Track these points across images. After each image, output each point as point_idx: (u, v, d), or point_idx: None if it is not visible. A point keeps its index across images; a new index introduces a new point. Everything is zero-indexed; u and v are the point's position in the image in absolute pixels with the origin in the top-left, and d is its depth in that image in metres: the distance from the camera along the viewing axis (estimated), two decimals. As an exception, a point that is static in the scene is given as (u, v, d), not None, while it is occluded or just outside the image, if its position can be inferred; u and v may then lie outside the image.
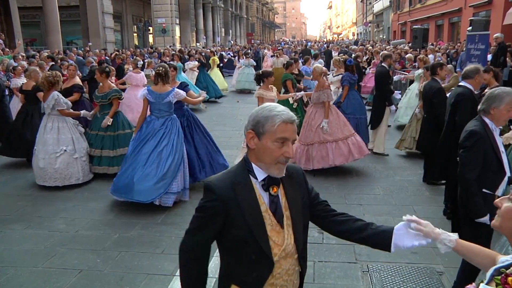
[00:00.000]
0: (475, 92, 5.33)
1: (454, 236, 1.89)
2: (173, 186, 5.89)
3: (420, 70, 9.46)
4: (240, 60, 20.01)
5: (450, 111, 5.33)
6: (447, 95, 6.06)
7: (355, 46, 24.47)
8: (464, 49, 13.65)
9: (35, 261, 4.54)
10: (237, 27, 62.64)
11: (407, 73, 12.72)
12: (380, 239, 1.94)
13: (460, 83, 5.45)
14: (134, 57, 16.73)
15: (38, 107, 7.70)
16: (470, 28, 12.59)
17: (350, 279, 4.13)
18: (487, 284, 1.58)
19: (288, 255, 1.93)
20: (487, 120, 3.37)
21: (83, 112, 7.10)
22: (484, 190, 3.35)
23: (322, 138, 7.13)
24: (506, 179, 3.37)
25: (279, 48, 27.54)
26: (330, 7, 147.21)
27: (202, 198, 1.93)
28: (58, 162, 6.63)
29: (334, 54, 20.10)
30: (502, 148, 3.42)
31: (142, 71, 12.21)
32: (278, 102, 7.54)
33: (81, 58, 16.87)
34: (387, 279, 4.08)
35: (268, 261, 1.89)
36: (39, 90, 7.46)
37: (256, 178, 1.89)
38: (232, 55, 27.37)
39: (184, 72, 15.62)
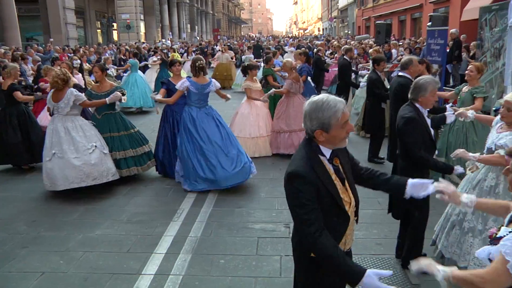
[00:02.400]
0: (413, 80, 5.81)
1: (473, 197, 2.35)
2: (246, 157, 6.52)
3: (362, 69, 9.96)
4: (189, 56, 19.75)
5: (393, 99, 5.94)
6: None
7: (318, 42, 24.77)
8: (425, 44, 14.02)
9: (-6, 265, 4.39)
10: (203, 23, 62.18)
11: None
12: (398, 188, 2.51)
13: (399, 73, 6.30)
14: (72, 56, 16.05)
15: (17, 108, 7.40)
16: (430, 23, 12.96)
17: (317, 271, 4.18)
18: (506, 226, 1.98)
19: (353, 209, 2.39)
20: (418, 105, 3.77)
21: (110, 96, 6.43)
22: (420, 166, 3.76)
23: (290, 128, 7.82)
24: (436, 152, 3.92)
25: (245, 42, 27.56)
26: (296, 3, 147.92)
27: (292, 185, 2.20)
28: (93, 158, 6.16)
29: (290, 49, 20.67)
30: (430, 128, 3.85)
31: (80, 73, 11.45)
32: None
33: (41, 54, 16.34)
34: (352, 270, 4.15)
35: (346, 217, 2.32)
36: (15, 90, 7.20)
37: (324, 155, 2.29)
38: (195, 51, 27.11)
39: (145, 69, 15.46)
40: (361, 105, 9.76)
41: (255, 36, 70.74)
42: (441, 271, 2.02)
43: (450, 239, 3.92)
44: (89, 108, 7.33)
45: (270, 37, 53.52)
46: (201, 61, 6.50)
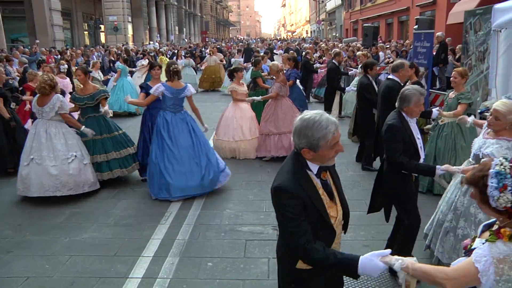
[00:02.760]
0: (401, 84, 6.08)
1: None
2: (220, 165, 6.45)
3: (358, 69, 9.96)
4: (179, 60, 19.65)
5: (381, 101, 6.05)
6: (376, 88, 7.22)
7: (306, 45, 24.89)
8: (411, 47, 14.17)
9: (-22, 270, 4.33)
10: (191, 25, 62.05)
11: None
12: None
13: (389, 76, 6.34)
14: (58, 59, 15.83)
15: None
16: (416, 26, 13.10)
17: (304, 273, 4.19)
18: (479, 237, 1.96)
19: (339, 223, 2.38)
20: (403, 114, 3.81)
21: (84, 127, 6.33)
22: (403, 171, 3.79)
23: (280, 130, 7.81)
24: (421, 161, 3.85)
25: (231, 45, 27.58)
26: (284, 5, 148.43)
27: (279, 200, 2.18)
28: (71, 168, 6.08)
29: (279, 51, 20.70)
30: (418, 135, 3.85)
31: (67, 77, 11.28)
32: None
33: (27, 56, 16.15)
34: (340, 272, 4.16)
35: (332, 232, 2.31)
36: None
37: (311, 170, 2.25)
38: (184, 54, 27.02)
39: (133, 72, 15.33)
40: (351, 110, 9.77)
41: (244, 38, 70.79)
42: (399, 260, 1.99)
43: (446, 246, 3.99)
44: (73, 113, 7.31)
45: (259, 39, 53.60)
46: (175, 65, 6.43)
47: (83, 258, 4.54)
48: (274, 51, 23.37)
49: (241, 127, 8.09)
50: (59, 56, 17.86)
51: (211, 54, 18.80)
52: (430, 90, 9.13)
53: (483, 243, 1.87)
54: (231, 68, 8.88)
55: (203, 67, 18.87)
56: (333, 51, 11.11)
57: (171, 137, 6.16)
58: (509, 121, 3.51)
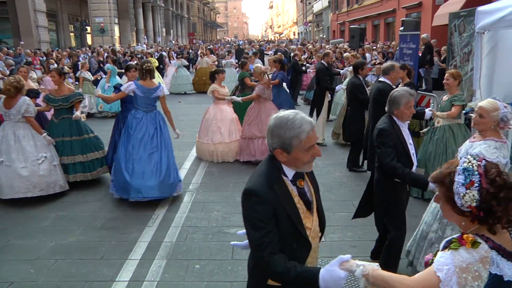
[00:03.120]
0: (393, 86, 5.97)
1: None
2: (179, 174, 6.37)
3: (350, 68, 9.87)
4: (171, 61, 19.55)
5: (372, 104, 5.95)
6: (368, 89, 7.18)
7: (293, 46, 24.96)
8: (398, 48, 14.31)
9: (-39, 275, 4.25)
10: (179, 27, 61.83)
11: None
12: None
13: (380, 79, 6.27)
14: (46, 60, 15.62)
15: None
16: (402, 28, 13.23)
17: (292, 274, 4.18)
18: (442, 251, 1.80)
19: (316, 235, 2.19)
20: (394, 118, 3.73)
21: (45, 135, 6.22)
22: (396, 179, 3.67)
23: (263, 133, 7.39)
24: (414, 168, 3.72)
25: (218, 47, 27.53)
26: (271, 7, 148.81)
27: (247, 204, 2.02)
28: (41, 169, 6.07)
29: (270, 52, 20.72)
30: (410, 141, 3.77)
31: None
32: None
33: (12, 58, 15.92)
34: (327, 273, 4.15)
35: (307, 244, 2.11)
36: None
37: (286, 176, 2.08)
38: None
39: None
40: (338, 111, 9.75)
41: (231, 40, 70.74)
42: (360, 266, 1.89)
43: None
44: (46, 113, 7.37)
45: (246, 41, 53.63)
46: (148, 64, 6.33)
47: (69, 262, 4.50)
48: (265, 52, 23.35)
49: (220, 129, 8.03)
50: (44, 58, 17.66)
51: (202, 55, 18.74)
52: (417, 91, 9.23)
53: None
54: (213, 70, 8.87)
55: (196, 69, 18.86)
56: (324, 52, 11.06)
57: (137, 136, 6.03)
58: (493, 119, 3.49)
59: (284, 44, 31.80)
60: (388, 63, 6.57)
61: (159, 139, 6.11)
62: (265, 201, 1.97)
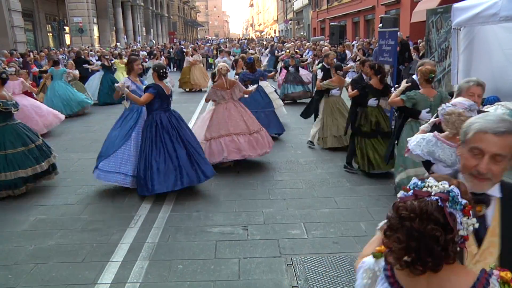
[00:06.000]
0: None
1: None
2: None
3: (320, 65, 9.72)
4: (158, 60, 19.40)
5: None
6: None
7: (288, 45, 24.92)
8: (377, 45, 14.43)
9: None
10: (159, 26, 61.35)
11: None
12: None
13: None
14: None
15: None
16: (381, 25, 13.34)
17: (275, 273, 4.19)
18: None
19: None
20: None
21: None
22: None
23: (227, 132, 7.27)
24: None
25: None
26: (252, 5, 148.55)
27: None
28: None
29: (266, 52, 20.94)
30: None
31: (19, 78, 10.47)
32: None
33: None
34: (310, 270, 4.18)
35: None
36: None
37: None
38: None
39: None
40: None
41: (211, 38, 70.45)
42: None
43: None
44: None
45: (227, 39, 53.50)
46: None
47: (49, 266, 4.42)
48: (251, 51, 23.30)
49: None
50: (21, 59, 17.31)
51: (186, 54, 19.13)
52: (396, 86, 9.31)
53: None
54: (215, 71, 8.63)
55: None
56: (324, 52, 10.88)
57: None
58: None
59: (272, 42, 31.90)
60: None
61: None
62: None
